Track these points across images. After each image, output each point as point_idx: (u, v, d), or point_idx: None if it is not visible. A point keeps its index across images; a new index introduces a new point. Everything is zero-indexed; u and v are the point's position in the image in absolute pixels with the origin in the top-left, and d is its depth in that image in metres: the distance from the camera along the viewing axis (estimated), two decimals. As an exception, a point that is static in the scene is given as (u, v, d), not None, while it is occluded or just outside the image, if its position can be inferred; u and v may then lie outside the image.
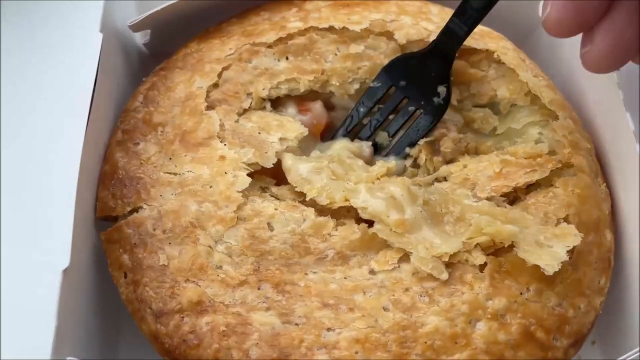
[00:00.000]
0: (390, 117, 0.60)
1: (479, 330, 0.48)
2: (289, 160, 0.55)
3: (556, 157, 0.55)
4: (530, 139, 0.58)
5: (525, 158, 0.55)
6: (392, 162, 0.57)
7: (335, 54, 0.59)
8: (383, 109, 0.60)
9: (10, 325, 0.44)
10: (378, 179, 0.54)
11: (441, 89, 0.58)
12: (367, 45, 0.60)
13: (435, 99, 0.58)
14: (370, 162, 0.59)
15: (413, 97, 0.59)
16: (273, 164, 0.54)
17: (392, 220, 0.51)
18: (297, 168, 0.54)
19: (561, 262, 0.49)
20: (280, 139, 0.56)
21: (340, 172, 0.54)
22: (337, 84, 0.59)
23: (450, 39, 0.57)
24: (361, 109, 0.60)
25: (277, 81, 0.58)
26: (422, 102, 0.59)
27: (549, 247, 0.50)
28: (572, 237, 0.51)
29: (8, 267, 0.47)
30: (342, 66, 0.59)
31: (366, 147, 0.60)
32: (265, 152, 0.54)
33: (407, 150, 0.59)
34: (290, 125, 0.57)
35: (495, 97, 0.60)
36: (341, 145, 0.59)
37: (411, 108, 0.59)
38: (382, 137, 0.60)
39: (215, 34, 0.63)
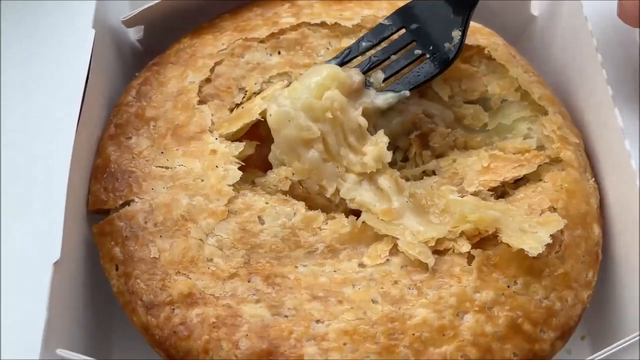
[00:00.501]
0: (393, 58, 0.57)
1: (466, 322, 0.49)
2: (273, 108, 0.52)
3: (544, 152, 0.56)
4: (520, 135, 0.58)
5: (513, 153, 0.56)
6: (388, 157, 0.55)
7: (327, 48, 0.60)
8: (387, 47, 0.57)
9: (9, 324, 0.45)
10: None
11: (455, 34, 0.56)
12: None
13: (447, 44, 0.56)
14: (359, 92, 0.55)
15: (422, 41, 0.56)
16: (260, 119, 0.54)
17: (380, 209, 0.52)
18: (285, 135, 0.52)
19: (545, 246, 0.49)
20: (262, 97, 0.55)
21: (333, 145, 0.53)
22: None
23: None
24: (363, 44, 0.57)
25: (269, 75, 0.59)
26: (431, 47, 0.56)
27: (533, 233, 0.51)
28: (555, 222, 0.51)
29: (2, 263, 0.47)
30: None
31: (356, 74, 0.55)
32: (249, 112, 0.54)
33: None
34: (269, 88, 0.57)
35: (486, 93, 0.60)
36: (329, 72, 0.54)
37: (417, 51, 0.56)
38: (376, 79, 0.57)
39: (208, 29, 0.63)
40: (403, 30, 0.57)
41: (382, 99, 0.56)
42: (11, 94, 0.55)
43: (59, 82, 0.55)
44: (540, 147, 0.57)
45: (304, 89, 0.53)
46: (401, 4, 0.63)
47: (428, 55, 0.56)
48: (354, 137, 0.54)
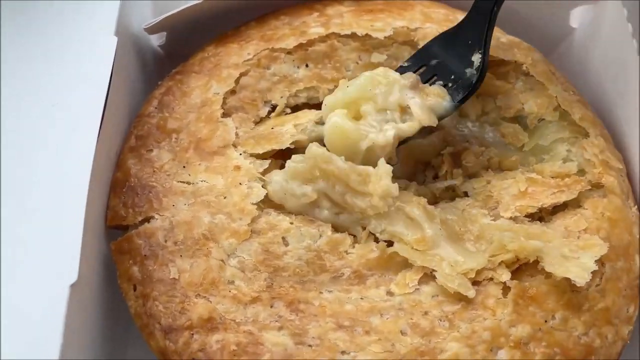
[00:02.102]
0: None
1: (500, 358, 0.46)
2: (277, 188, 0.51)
3: (585, 177, 0.53)
4: (558, 157, 0.55)
5: (552, 177, 0.53)
6: (395, 191, 0.50)
7: (357, 63, 0.57)
8: None
9: (9, 324, 0.43)
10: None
11: (475, 57, 0.54)
12: (389, 54, 0.58)
13: (469, 70, 0.55)
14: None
15: (442, 73, 0.55)
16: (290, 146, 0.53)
17: (413, 238, 0.49)
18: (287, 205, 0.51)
19: (591, 273, 0.46)
20: (295, 125, 0.54)
21: (338, 198, 0.50)
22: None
23: None
24: None
25: (295, 89, 0.57)
26: (452, 77, 0.55)
27: (576, 259, 0.48)
28: (598, 247, 0.48)
29: (16, 276, 0.45)
30: None
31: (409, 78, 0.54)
32: (281, 139, 0.53)
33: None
34: (304, 114, 0.55)
35: (522, 111, 0.57)
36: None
37: (439, 83, 0.55)
38: None
39: (234, 37, 0.61)
40: (424, 68, 0.56)
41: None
42: (20, 99, 0.53)
43: (72, 87, 0.53)
44: (581, 172, 0.54)
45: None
46: (434, 14, 0.61)
47: (450, 84, 0.55)
48: (355, 178, 0.50)
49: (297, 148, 0.53)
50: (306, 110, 0.56)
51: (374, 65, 0.57)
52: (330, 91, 0.56)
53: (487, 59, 0.54)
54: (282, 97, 0.56)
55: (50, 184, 0.50)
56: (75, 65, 0.54)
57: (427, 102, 0.54)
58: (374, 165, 0.50)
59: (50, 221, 0.48)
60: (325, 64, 0.57)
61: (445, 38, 0.56)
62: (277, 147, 0.52)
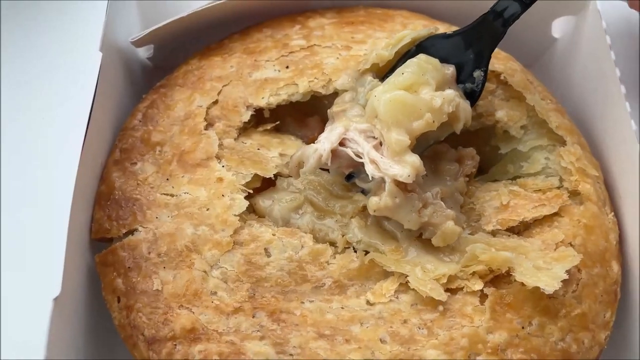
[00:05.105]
0: None
1: (478, 365, 0.47)
2: (261, 203, 0.53)
3: (565, 192, 0.54)
4: (537, 165, 0.56)
5: (534, 191, 0.54)
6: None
7: (337, 58, 0.58)
8: None
9: (9, 324, 0.44)
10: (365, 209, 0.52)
11: (477, 74, 0.53)
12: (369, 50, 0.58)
13: (469, 85, 0.53)
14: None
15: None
16: (273, 176, 0.53)
17: (388, 249, 0.50)
18: (273, 213, 0.53)
19: (561, 282, 0.47)
20: (280, 154, 0.55)
21: (320, 203, 0.52)
22: (340, 81, 0.56)
23: (502, 15, 0.51)
24: None
25: (276, 87, 0.56)
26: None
27: (548, 270, 0.49)
28: (570, 257, 0.49)
29: (2, 263, 0.46)
30: (345, 65, 0.57)
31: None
32: (265, 165, 0.53)
33: None
34: (291, 143, 0.56)
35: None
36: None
37: None
38: None
39: (217, 50, 0.62)
40: None
41: None
42: (7, 109, 0.54)
43: (57, 100, 0.53)
44: (559, 180, 0.55)
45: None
46: (413, 26, 0.62)
47: None
48: (338, 187, 0.53)
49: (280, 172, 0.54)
50: (292, 138, 0.57)
51: (355, 57, 0.57)
52: (310, 82, 0.56)
53: (486, 78, 0.54)
54: (263, 97, 0.56)
55: (35, 197, 0.51)
56: (60, 81, 0.55)
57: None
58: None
59: (34, 234, 0.49)
60: (306, 64, 0.58)
61: (446, 42, 0.54)
62: (260, 173, 0.53)
